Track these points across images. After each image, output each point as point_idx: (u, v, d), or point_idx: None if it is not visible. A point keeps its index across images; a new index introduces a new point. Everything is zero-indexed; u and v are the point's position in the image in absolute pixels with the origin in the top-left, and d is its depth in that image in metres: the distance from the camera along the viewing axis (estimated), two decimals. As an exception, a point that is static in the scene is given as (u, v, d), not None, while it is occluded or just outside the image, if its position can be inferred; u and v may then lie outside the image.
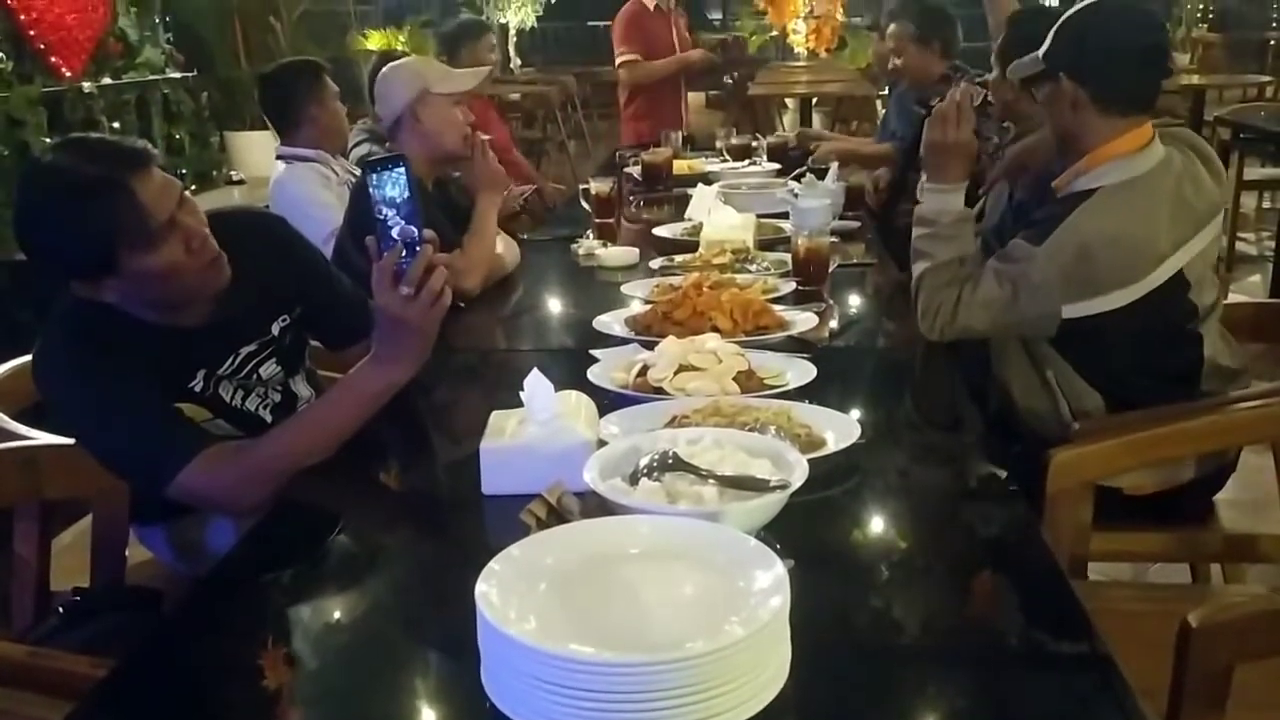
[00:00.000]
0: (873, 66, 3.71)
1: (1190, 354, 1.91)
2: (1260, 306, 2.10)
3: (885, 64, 3.79)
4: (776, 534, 1.22)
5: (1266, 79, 8.37)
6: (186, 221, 1.48)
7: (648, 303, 2.07)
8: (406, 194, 1.43)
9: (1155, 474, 1.89)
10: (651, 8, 4.87)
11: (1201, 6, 11.01)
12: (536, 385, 1.39)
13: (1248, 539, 1.89)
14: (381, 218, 1.43)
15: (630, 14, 4.87)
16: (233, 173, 5.33)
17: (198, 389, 1.59)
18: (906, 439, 1.64)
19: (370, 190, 1.43)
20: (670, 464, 1.23)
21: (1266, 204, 6.49)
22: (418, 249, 1.43)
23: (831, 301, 2.26)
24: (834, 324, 2.15)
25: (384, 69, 2.56)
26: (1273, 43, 11.19)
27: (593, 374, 1.71)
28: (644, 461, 1.25)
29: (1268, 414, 1.69)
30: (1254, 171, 5.63)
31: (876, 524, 1.36)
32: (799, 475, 1.21)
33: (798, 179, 3.07)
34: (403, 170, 1.43)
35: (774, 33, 12.35)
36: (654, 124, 4.64)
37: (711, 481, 1.19)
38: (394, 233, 1.43)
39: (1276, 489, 1.75)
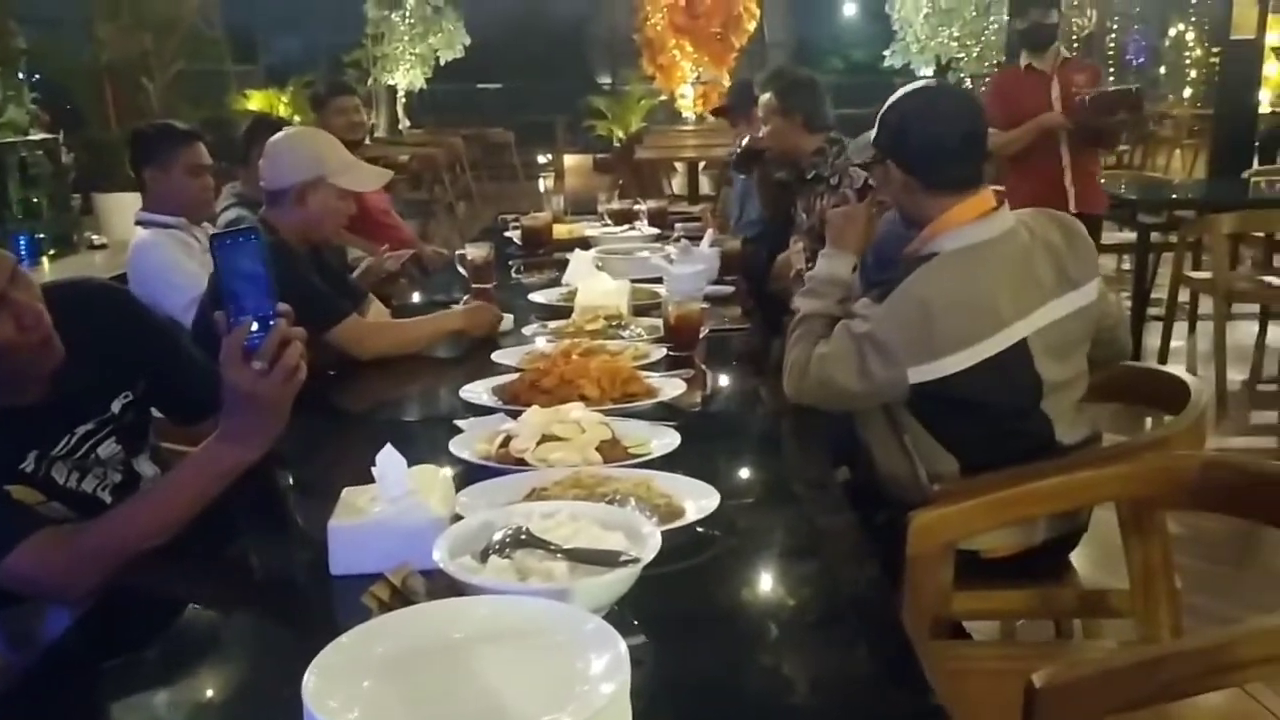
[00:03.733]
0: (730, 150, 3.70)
1: (1038, 430, 1.94)
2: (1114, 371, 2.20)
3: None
4: (632, 607, 1.22)
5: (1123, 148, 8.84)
6: (18, 298, 1.41)
7: (516, 371, 2.05)
8: (260, 267, 1.39)
9: (1010, 536, 1.94)
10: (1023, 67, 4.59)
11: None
12: (388, 461, 1.36)
13: (1099, 594, 1.95)
14: (232, 290, 1.39)
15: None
16: (94, 237, 5.15)
17: (28, 470, 1.51)
18: (766, 506, 1.65)
19: (220, 262, 1.38)
20: (522, 540, 1.22)
21: (1126, 265, 6.83)
22: (271, 323, 1.39)
23: (704, 367, 2.28)
24: (705, 390, 2.17)
25: (284, 135, 2.49)
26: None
27: (455, 445, 1.69)
28: (496, 538, 1.23)
29: (1113, 474, 1.75)
30: (1110, 236, 5.91)
31: (731, 594, 1.36)
32: (651, 548, 1.20)
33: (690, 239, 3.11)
34: (255, 242, 1.39)
35: (662, 97, 12.66)
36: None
37: (561, 557, 1.17)
38: (246, 306, 1.39)
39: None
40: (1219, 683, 1.36)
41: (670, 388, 1.98)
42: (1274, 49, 10.15)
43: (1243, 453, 4.10)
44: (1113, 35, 14.56)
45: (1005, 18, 12.81)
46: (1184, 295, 5.21)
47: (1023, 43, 4.56)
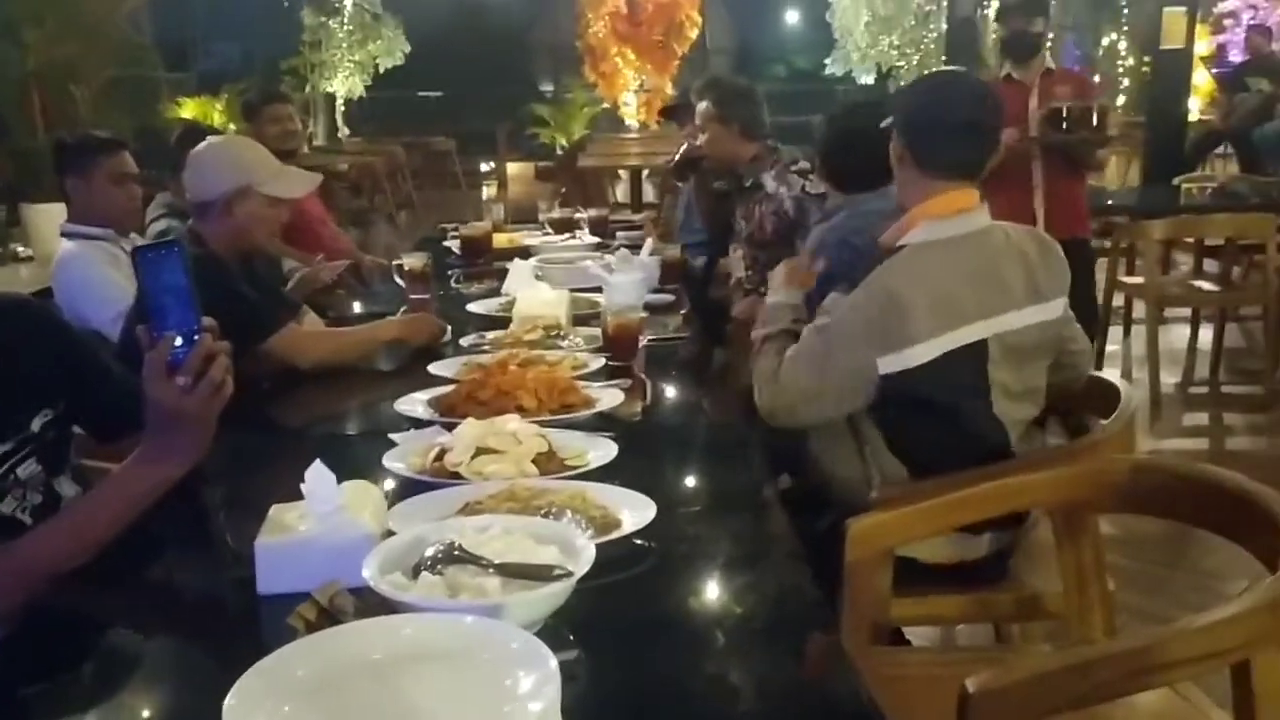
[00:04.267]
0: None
1: (993, 437, 1.95)
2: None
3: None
4: (567, 621, 1.20)
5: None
6: None
7: (453, 383, 2.03)
8: (183, 280, 1.35)
9: (952, 548, 1.96)
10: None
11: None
12: (318, 477, 1.33)
13: (1035, 598, 1.97)
14: (155, 304, 1.35)
15: None
16: (19, 248, 5.02)
17: None
18: (704, 516, 1.64)
19: (142, 276, 1.35)
20: (454, 555, 1.20)
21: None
22: (195, 338, 1.36)
23: (643, 377, 2.28)
24: (644, 400, 2.16)
25: (206, 145, 2.43)
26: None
27: (389, 459, 1.66)
28: (428, 554, 1.21)
29: (1045, 479, 1.77)
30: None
31: (667, 605, 1.34)
32: (584, 561, 1.19)
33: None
34: (177, 255, 1.35)
35: (605, 104, 12.67)
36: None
37: (493, 572, 1.16)
38: (169, 320, 1.35)
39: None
40: (1148, 683, 1.38)
41: (608, 398, 1.97)
42: (1202, 58, 10.41)
43: (1176, 454, 4.19)
44: (1049, 44, 14.86)
45: (944, 26, 13.07)
46: (1120, 300, 5.31)
47: (1004, 52, 4.20)
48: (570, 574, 1.16)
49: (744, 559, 1.51)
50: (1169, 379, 5.01)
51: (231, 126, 6.62)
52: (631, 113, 12.05)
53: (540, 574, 1.15)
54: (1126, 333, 5.57)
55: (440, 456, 1.63)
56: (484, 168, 12.93)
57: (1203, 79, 10.43)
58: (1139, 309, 5.07)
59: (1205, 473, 1.62)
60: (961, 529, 1.95)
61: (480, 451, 1.61)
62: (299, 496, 1.36)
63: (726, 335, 2.90)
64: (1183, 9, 8.27)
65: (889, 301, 1.87)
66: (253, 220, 2.35)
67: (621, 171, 9.98)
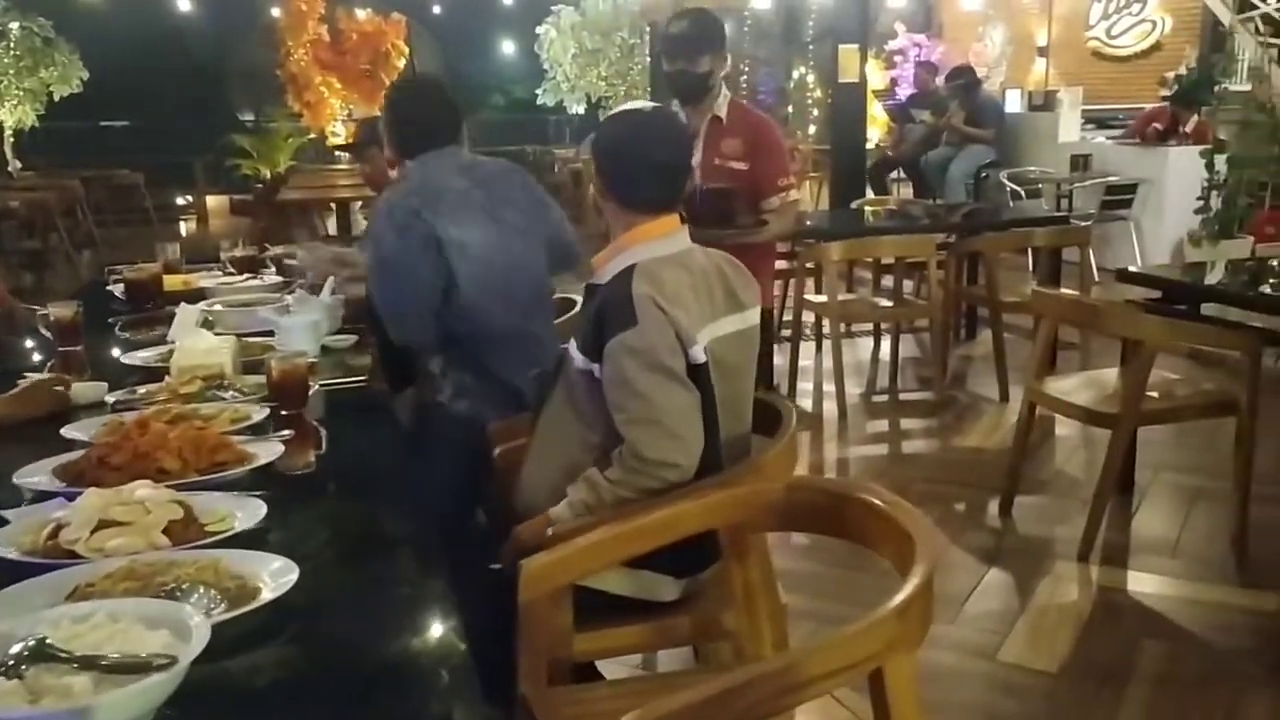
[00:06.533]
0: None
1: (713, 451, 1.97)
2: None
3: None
4: (185, 713, 1.10)
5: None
6: None
7: (85, 446, 1.84)
8: None
9: (640, 586, 1.98)
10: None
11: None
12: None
13: (714, 620, 2.01)
14: None
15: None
16: None
17: None
18: (361, 571, 1.56)
19: None
20: (42, 653, 1.07)
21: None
22: None
23: (315, 424, 2.16)
24: (316, 449, 2.05)
25: None
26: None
27: (-5, 541, 1.48)
28: (12, 652, 1.07)
29: (711, 503, 1.81)
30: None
31: (307, 676, 1.26)
32: (196, 645, 1.09)
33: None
34: None
35: (312, 135, 12.20)
36: None
37: (79, 669, 1.03)
38: None
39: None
40: (797, 699, 1.42)
41: (267, 452, 1.85)
42: (876, 92, 11.33)
43: (862, 459, 4.48)
44: (745, 76, 15.73)
45: (647, 59, 13.55)
46: (812, 317, 5.64)
47: (671, 91, 3.42)
48: (174, 662, 1.05)
49: (400, 615, 1.44)
50: (855, 389, 5.37)
51: None
52: (341, 142, 11.66)
53: (138, 666, 1.04)
54: (818, 348, 5.92)
55: (55, 533, 1.46)
56: (181, 201, 12.13)
57: (880, 110, 11.35)
58: (829, 325, 5.39)
59: (847, 488, 1.71)
60: (656, 570, 1.98)
61: (103, 525, 1.45)
62: None
63: (414, 376, 2.82)
64: (855, 46, 8.99)
65: (655, 307, 1.87)
66: None
67: (334, 203, 9.62)
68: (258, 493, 1.66)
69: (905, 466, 4.40)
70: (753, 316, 2.11)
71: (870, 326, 6.29)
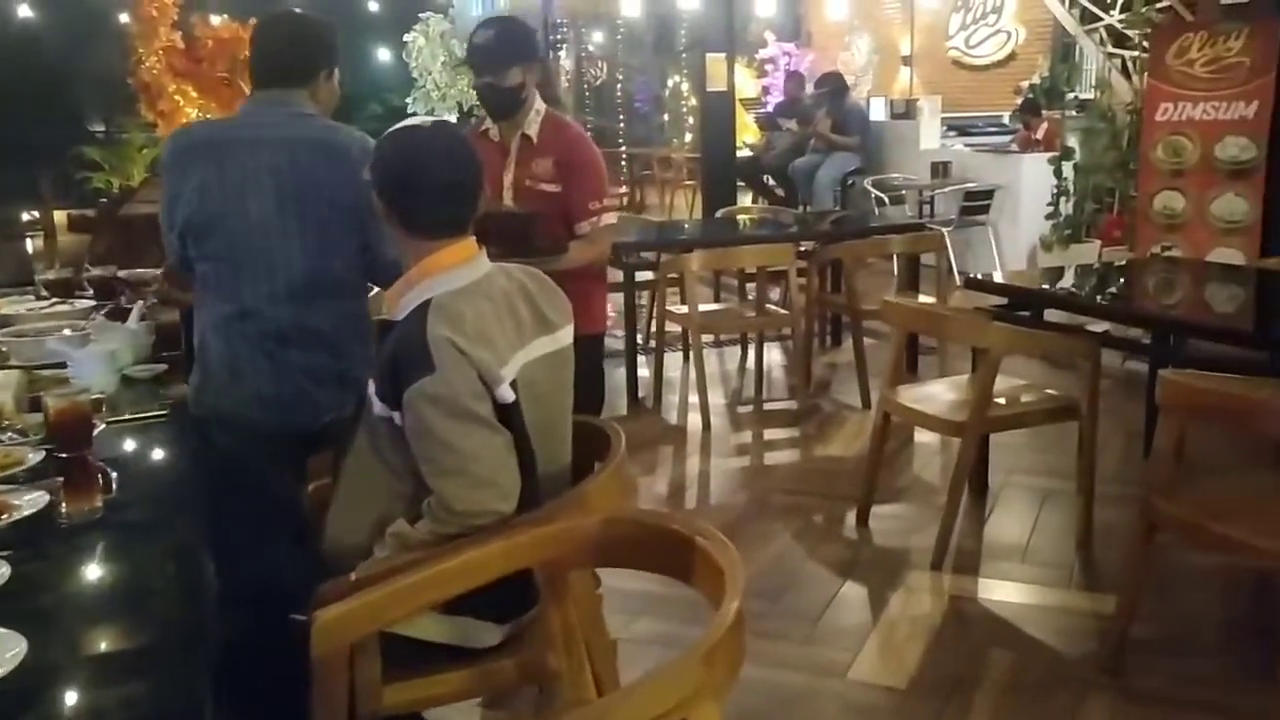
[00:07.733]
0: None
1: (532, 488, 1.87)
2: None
3: None
4: None
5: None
6: None
7: None
8: None
9: (458, 633, 1.86)
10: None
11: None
12: None
13: (538, 662, 1.90)
14: None
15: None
16: None
17: None
18: (107, 634, 1.41)
19: None
20: None
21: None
22: None
23: (102, 466, 1.98)
24: (107, 493, 1.86)
25: None
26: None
27: None
28: None
29: (523, 541, 1.71)
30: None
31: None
32: None
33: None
34: None
35: (168, 146, 11.69)
36: None
37: None
38: None
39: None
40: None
41: (30, 503, 1.67)
42: (744, 101, 11.42)
43: (725, 471, 4.43)
44: (620, 84, 15.71)
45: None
46: (679, 328, 5.57)
47: (481, 105, 3.06)
48: None
49: (148, 685, 1.29)
50: (720, 400, 5.34)
51: None
52: (199, 154, 11.19)
53: None
54: (686, 358, 5.87)
55: None
56: (26, 217, 11.46)
57: (750, 119, 11.44)
58: (692, 336, 5.34)
59: (661, 521, 1.62)
60: (475, 615, 1.87)
61: None
62: None
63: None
64: (723, 55, 9.03)
65: (454, 350, 1.74)
66: None
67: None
68: (4, 552, 1.49)
69: (766, 478, 4.36)
70: (565, 336, 2.00)
71: (740, 336, 6.28)
